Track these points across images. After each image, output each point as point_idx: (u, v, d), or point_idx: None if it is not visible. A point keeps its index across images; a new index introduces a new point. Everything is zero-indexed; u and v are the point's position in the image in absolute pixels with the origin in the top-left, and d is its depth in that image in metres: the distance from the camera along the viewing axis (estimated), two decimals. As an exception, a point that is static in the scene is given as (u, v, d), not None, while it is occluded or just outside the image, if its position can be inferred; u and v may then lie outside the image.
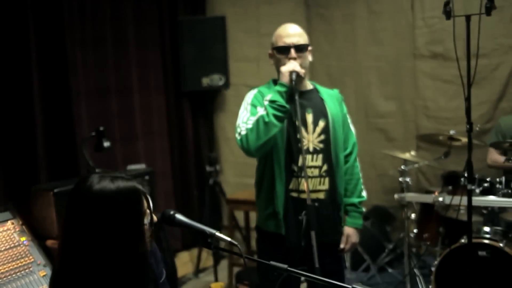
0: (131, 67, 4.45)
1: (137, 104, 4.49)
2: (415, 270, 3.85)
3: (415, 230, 3.97)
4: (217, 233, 1.58)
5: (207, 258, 4.94)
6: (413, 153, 4.08)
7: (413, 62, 4.97)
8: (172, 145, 4.94)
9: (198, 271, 4.84)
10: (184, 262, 4.87)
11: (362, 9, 5.13)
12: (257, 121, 2.31)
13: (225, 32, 4.94)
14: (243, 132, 2.35)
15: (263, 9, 5.34)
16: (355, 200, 2.60)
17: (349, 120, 2.68)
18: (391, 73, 5.07)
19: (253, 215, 4.40)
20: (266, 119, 2.28)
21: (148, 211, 1.51)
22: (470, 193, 2.73)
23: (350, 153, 2.64)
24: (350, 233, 2.57)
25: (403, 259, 3.96)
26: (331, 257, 2.53)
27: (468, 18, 2.89)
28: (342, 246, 2.56)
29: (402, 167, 3.69)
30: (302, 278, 2.54)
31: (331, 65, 5.31)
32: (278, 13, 5.26)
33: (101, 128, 3.32)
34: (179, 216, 1.64)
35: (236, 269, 4.29)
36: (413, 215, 3.95)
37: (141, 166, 3.79)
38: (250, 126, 2.33)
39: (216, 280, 4.40)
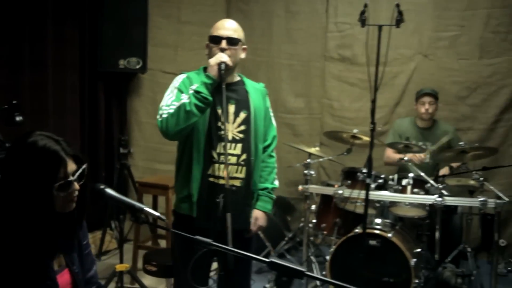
0: (46, 41, 4.32)
1: (50, 79, 4.37)
2: (312, 257, 4.14)
3: (313, 220, 4.25)
4: (146, 208, 1.67)
5: (110, 241, 4.93)
6: (317, 148, 4.36)
7: (323, 63, 5.30)
8: (83, 124, 4.86)
9: (101, 253, 4.81)
10: (86, 244, 4.82)
11: (280, 8, 5.36)
12: (179, 108, 2.39)
13: (146, 15, 4.92)
14: (164, 116, 2.43)
15: (185, -2, 5.40)
16: (269, 185, 2.74)
17: (271, 114, 2.83)
18: (301, 72, 5.35)
19: (161, 200, 4.45)
20: (188, 108, 2.37)
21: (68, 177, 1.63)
22: (368, 187, 3.03)
23: (269, 145, 2.78)
24: (258, 216, 2.68)
25: (301, 247, 4.24)
26: (241, 243, 2.66)
27: (380, 28, 3.16)
28: (251, 228, 2.66)
29: (308, 160, 3.95)
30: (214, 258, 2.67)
31: (246, 58, 5.39)
32: (200, 2, 5.35)
33: (14, 102, 3.22)
34: (109, 191, 1.70)
35: (142, 252, 4.32)
36: (313, 207, 4.23)
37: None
38: (171, 111, 2.41)
39: (121, 262, 4.41)
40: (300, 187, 3.95)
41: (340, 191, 3.78)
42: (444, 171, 4.33)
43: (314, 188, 3.94)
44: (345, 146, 4.14)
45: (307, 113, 5.38)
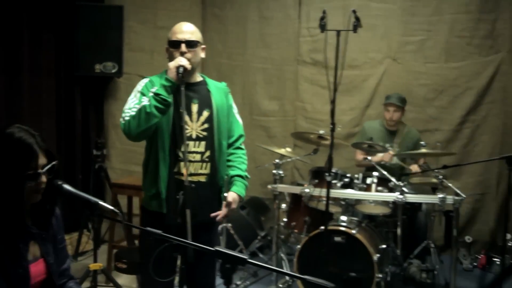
0: (22, 46, 4.41)
1: (26, 83, 4.45)
2: (282, 255, 4.27)
3: (284, 219, 4.38)
4: (101, 202, 1.79)
5: (87, 242, 5.01)
6: (289, 149, 4.49)
7: (296, 67, 5.44)
8: (59, 128, 4.95)
9: (77, 254, 4.89)
10: (63, 245, 4.90)
11: (254, 13, 5.50)
12: (140, 110, 2.52)
13: (122, 21, 5.03)
14: (127, 118, 2.56)
15: (160, 3, 5.52)
16: (242, 173, 2.84)
17: (235, 111, 2.93)
18: (275, 75, 5.50)
19: (136, 201, 4.55)
20: (148, 110, 2.49)
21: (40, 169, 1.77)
22: (329, 184, 3.16)
23: (236, 139, 2.90)
24: (234, 197, 2.75)
25: (272, 245, 4.36)
26: (206, 235, 2.79)
27: (338, 32, 3.30)
28: (221, 213, 2.72)
29: (276, 160, 4.08)
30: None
31: (222, 62, 5.62)
32: (175, 8, 5.48)
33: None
34: (66, 186, 1.82)
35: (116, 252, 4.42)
36: (283, 206, 4.36)
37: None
38: (133, 113, 2.53)
39: (95, 261, 4.50)
40: (269, 186, 4.08)
41: (307, 190, 3.91)
42: (414, 167, 4.49)
43: (282, 187, 4.08)
44: (314, 147, 4.28)
45: (280, 115, 5.52)
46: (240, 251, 4.57)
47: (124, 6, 5.09)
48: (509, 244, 4.82)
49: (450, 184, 3.72)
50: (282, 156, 4.24)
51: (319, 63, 5.34)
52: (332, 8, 4.77)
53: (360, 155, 4.62)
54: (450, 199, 3.69)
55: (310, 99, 5.39)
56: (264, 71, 5.52)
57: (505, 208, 3.78)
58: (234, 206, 2.76)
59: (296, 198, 4.35)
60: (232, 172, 2.83)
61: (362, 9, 5.11)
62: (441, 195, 3.69)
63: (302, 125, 5.39)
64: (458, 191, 3.68)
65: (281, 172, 4.05)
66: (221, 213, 2.74)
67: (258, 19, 5.50)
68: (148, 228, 1.75)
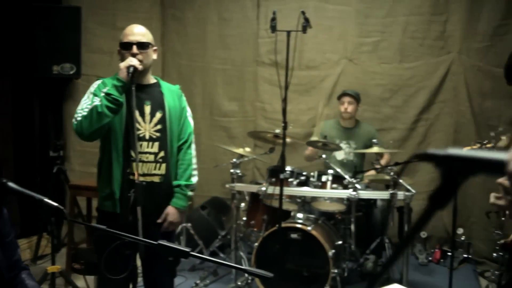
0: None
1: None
2: (241, 253, 4.33)
3: (244, 218, 4.44)
4: (45, 199, 1.82)
5: (46, 246, 4.96)
6: (248, 149, 4.55)
7: (255, 68, 5.52)
8: (17, 130, 4.90)
9: (36, 258, 4.85)
10: (22, 249, 4.85)
11: (213, 15, 5.55)
12: (91, 110, 2.55)
13: (80, 22, 5.01)
14: (79, 118, 2.60)
15: (119, 4, 5.51)
16: (182, 182, 2.87)
17: (188, 113, 2.97)
18: (235, 76, 5.56)
19: (96, 202, 4.53)
20: (99, 110, 2.53)
21: None
22: (282, 182, 3.24)
23: (185, 141, 2.92)
24: (169, 211, 2.79)
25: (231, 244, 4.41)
26: (163, 236, 2.81)
27: (288, 33, 3.38)
28: (159, 221, 2.76)
29: (234, 160, 4.14)
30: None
31: (182, 64, 5.65)
32: (135, 10, 5.48)
33: None
34: (10, 184, 1.84)
35: (76, 254, 4.40)
36: (242, 205, 4.42)
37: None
38: (85, 113, 2.57)
39: (53, 264, 4.47)
40: (227, 186, 4.13)
41: (263, 188, 3.98)
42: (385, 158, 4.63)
43: (239, 186, 4.13)
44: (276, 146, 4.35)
45: (241, 116, 5.58)
46: (200, 251, 4.62)
47: (81, 7, 5.07)
48: (462, 238, 5.00)
49: (401, 181, 3.84)
50: (240, 156, 4.30)
51: (278, 64, 5.41)
52: (289, 10, 4.85)
53: (308, 151, 4.69)
54: (400, 195, 3.81)
55: (269, 99, 5.47)
56: (224, 72, 5.58)
57: (453, 203, 3.91)
58: (171, 219, 2.78)
59: (254, 197, 4.41)
60: (174, 182, 2.85)
61: (319, 11, 5.24)
62: (392, 191, 3.81)
63: (262, 125, 5.47)
64: (409, 187, 3.80)
65: (238, 171, 4.11)
66: (163, 226, 2.77)
67: (217, 20, 5.55)
68: (94, 224, 1.78)
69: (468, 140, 4.58)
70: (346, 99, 4.64)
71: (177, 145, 2.87)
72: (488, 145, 3.18)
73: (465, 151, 0.68)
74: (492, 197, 1.46)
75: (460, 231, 4.98)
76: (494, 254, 4.39)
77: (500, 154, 0.63)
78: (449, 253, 4.92)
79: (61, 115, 5.45)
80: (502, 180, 1.37)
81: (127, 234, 1.80)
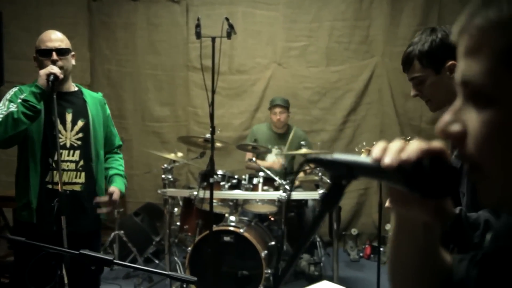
0: None
1: None
2: (175, 258, 4.32)
3: (178, 223, 4.43)
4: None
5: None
6: (179, 154, 4.54)
7: (186, 72, 5.53)
8: None
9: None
10: None
11: (142, 20, 5.52)
12: (7, 116, 2.47)
13: (1, 28, 4.83)
14: None
15: (44, 10, 5.37)
16: (121, 172, 2.88)
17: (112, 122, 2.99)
18: (166, 82, 5.55)
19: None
20: (15, 116, 2.46)
21: None
22: (212, 186, 3.27)
23: (115, 148, 2.96)
24: (113, 190, 2.72)
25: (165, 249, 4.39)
26: (87, 245, 2.77)
27: (213, 39, 3.42)
28: (99, 200, 2.71)
29: (165, 165, 4.13)
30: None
31: (111, 69, 5.57)
32: (60, 15, 5.36)
33: None
34: None
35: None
36: (176, 210, 4.42)
37: None
38: (0, 119, 2.50)
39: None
40: (158, 191, 4.12)
41: (195, 193, 4.00)
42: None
43: (171, 192, 4.13)
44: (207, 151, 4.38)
45: (173, 121, 5.57)
46: (134, 258, 4.57)
47: (3, 12, 4.88)
48: (390, 234, 5.22)
49: (328, 181, 3.96)
50: (172, 161, 4.30)
51: (208, 69, 5.43)
52: (217, 15, 4.89)
53: (248, 157, 4.78)
54: (329, 194, 3.93)
55: (201, 104, 5.49)
56: (155, 78, 5.55)
57: (379, 199, 4.08)
58: (115, 197, 2.72)
59: (188, 202, 4.41)
60: (111, 172, 2.87)
61: (247, 16, 5.33)
62: (321, 191, 3.93)
63: (195, 129, 5.48)
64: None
65: (170, 176, 4.11)
66: (103, 198, 2.73)
67: (146, 25, 5.52)
68: (8, 235, 1.75)
69: (393, 140, 4.78)
70: (278, 109, 4.73)
71: (103, 152, 2.85)
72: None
73: (346, 156, 0.73)
74: (388, 202, 1.54)
75: (388, 226, 5.18)
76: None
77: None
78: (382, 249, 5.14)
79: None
80: (388, 205, 1.45)
81: (47, 245, 1.78)
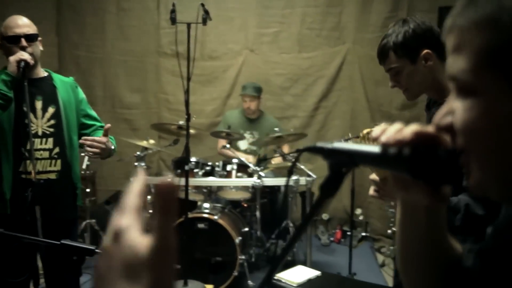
0: None
1: None
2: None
3: (151, 211, 4.39)
4: None
5: None
6: (151, 141, 4.50)
7: (157, 59, 5.46)
8: None
9: None
10: None
11: (112, 5, 5.41)
12: None
13: (-37, 11, 4.67)
14: None
15: (9, -6, 5.20)
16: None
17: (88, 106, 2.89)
18: (137, 68, 5.47)
19: None
20: None
21: None
22: (187, 173, 3.27)
23: (92, 127, 2.84)
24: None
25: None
26: (62, 233, 2.73)
27: (188, 25, 3.40)
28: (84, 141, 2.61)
29: (138, 153, 4.09)
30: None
31: (80, 55, 5.46)
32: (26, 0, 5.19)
33: None
34: None
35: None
36: (150, 198, 4.39)
37: None
38: None
39: None
40: (131, 179, 4.07)
41: (169, 180, 3.98)
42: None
43: (145, 179, 4.09)
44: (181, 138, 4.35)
45: (144, 107, 5.51)
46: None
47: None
48: (360, 218, 5.32)
49: (302, 167, 4.01)
50: (144, 149, 4.25)
51: (180, 55, 5.39)
52: (189, 1, 4.84)
53: (221, 144, 4.77)
54: (302, 180, 3.97)
55: (172, 90, 5.45)
56: (125, 63, 5.47)
57: (351, 184, 4.15)
58: (103, 140, 2.60)
59: (160, 189, 4.39)
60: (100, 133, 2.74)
61: (219, 2, 5.29)
62: (295, 177, 3.97)
63: (166, 116, 5.43)
64: (310, 173, 3.98)
65: (143, 164, 4.07)
66: (89, 138, 2.62)
67: (116, 10, 5.42)
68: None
69: (363, 126, 4.84)
70: (247, 98, 4.73)
71: (77, 138, 2.78)
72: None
73: (347, 145, 0.75)
74: (371, 190, 1.58)
75: (358, 211, 5.28)
76: (389, 231, 4.72)
77: (374, 147, 0.70)
78: (349, 233, 5.23)
79: None
80: (373, 177, 1.49)
81: (25, 236, 1.75)
